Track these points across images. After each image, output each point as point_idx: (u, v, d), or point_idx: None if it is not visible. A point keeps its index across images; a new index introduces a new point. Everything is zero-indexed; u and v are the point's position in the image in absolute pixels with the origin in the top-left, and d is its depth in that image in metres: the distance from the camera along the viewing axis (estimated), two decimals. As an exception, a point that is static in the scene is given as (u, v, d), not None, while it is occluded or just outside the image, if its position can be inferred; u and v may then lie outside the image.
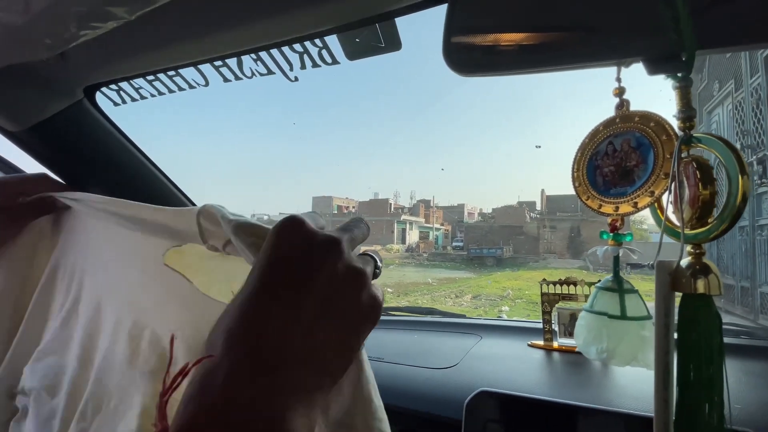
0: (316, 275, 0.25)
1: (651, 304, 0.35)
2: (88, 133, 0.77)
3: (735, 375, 0.72)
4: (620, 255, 0.38)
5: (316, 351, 0.24)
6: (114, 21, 0.49)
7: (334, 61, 0.65)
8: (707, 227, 0.32)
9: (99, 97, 0.75)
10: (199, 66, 0.67)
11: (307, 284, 0.25)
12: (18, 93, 0.67)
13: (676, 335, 0.32)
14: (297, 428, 0.21)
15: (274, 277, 0.25)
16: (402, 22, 0.60)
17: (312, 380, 0.23)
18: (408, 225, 30.54)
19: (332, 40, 0.61)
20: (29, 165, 0.87)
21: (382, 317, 1.13)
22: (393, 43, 0.60)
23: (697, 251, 0.32)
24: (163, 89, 0.71)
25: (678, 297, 0.32)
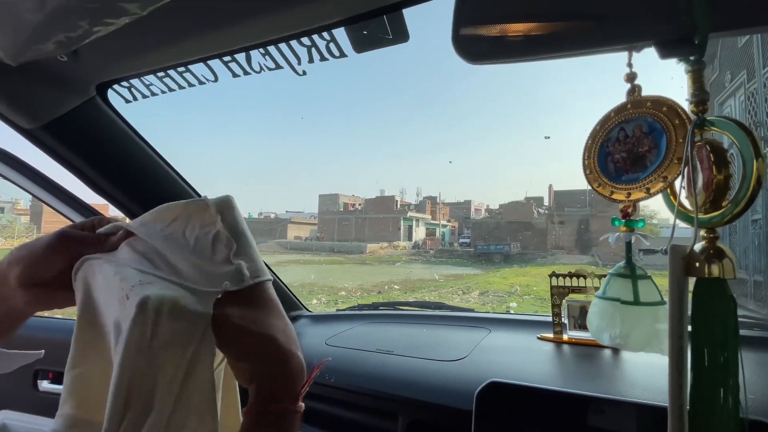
0: None
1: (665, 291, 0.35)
2: (100, 130, 0.78)
3: (749, 366, 0.70)
4: (632, 241, 0.38)
5: None
6: (126, 17, 0.50)
7: (342, 54, 0.65)
8: (721, 211, 0.32)
9: (111, 95, 0.76)
10: (209, 62, 0.68)
11: None
12: (32, 90, 0.68)
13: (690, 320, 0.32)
14: None
15: None
16: (408, 13, 0.60)
17: None
18: (414, 222, 30.50)
19: (340, 33, 0.62)
20: (43, 163, 0.89)
21: (390, 311, 1.12)
22: (400, 34, 0.60)
23: (711, 235, 0.32)
24: (173, 85, 0.72)
25: (692, 282, 0.32)
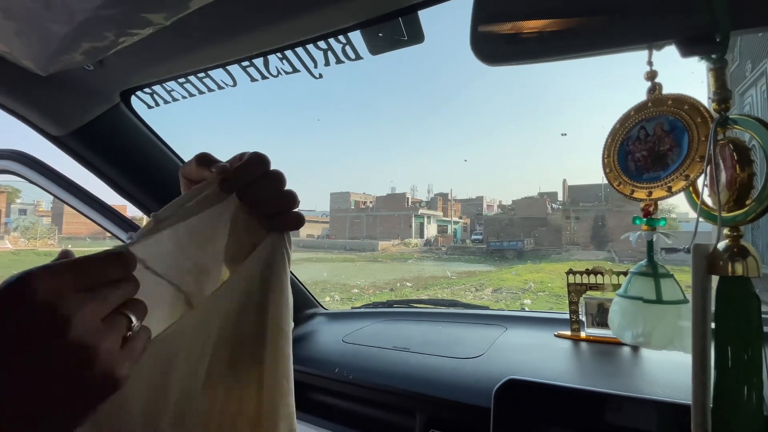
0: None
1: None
2: (124, 136, 0.81)
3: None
4: (654, 240, 0.38)
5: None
6: (151, 27, 0.51)
7: (358, 57, 0.66)
8: (745, 209, 0.32)
9: (134, 101, 0.79)
10: (228, 67, 0.69)
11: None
12: (60, 99, 0.71)
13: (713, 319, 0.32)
14: None
15: None
16: (422, 14, 0.60)
17: None
18: (426, 219, 30.41)
19: (356, 36, 0.62)
20: (64, 165, 0.93)
21: (405, 309, 1.12)
22: (416, 35, 0.61)
23: (735, 234, 0.32)
24: (193, 91, 0.74)
25: (716, 280, 0.32)
